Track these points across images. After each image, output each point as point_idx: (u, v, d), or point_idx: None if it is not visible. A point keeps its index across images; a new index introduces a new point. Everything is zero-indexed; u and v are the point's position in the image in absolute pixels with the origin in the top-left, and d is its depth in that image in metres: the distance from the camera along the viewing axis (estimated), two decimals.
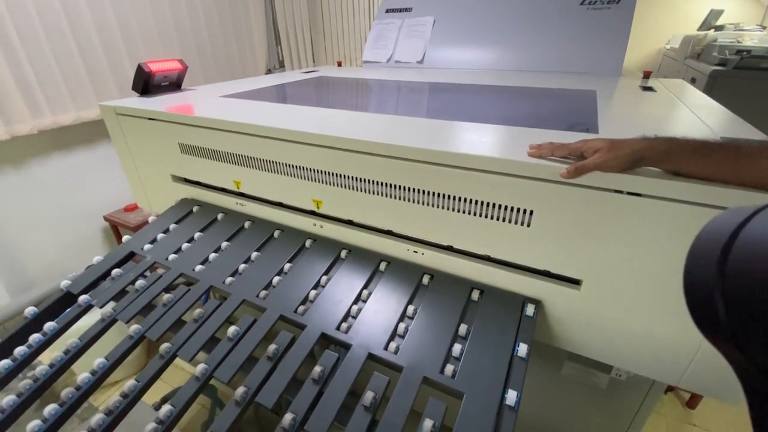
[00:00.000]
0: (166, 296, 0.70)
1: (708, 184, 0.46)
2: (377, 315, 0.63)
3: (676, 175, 0.48)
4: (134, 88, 1.06)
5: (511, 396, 0.50)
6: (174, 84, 1.14)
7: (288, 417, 0.50)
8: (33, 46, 1.44)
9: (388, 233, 0.73)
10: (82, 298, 0.72)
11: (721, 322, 0.26)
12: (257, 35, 2.39)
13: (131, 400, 0.57)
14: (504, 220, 0.59)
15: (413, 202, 0.65)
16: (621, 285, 0.55)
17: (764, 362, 0.26)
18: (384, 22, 1.74)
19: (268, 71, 2.55)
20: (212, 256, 0.78)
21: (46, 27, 1.46)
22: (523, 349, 0.55)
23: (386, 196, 0.67)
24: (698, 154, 0.46)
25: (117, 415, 0.55)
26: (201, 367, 0.58)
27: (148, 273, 0.78)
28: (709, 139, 0.47)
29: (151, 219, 0.92)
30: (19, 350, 0.65)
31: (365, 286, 0.68)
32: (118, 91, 1.72)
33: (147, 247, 0.83)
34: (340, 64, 1.88)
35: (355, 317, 0.63)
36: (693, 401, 1.41)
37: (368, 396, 0.51)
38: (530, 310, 0.61)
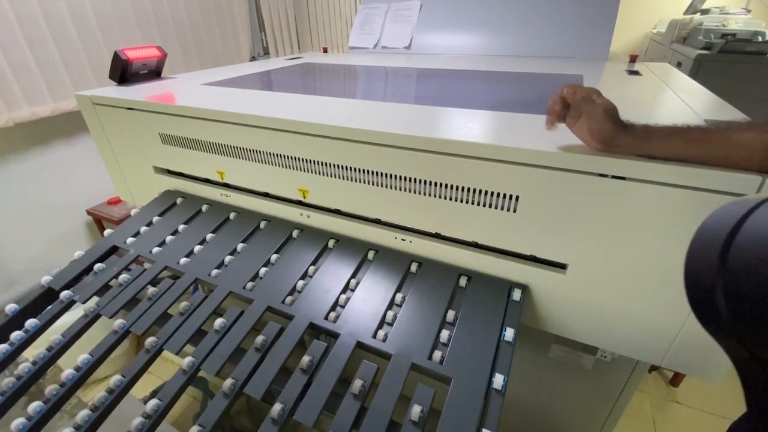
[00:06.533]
0: (150, 290, 0.69)
1: (688, 166, 0.46)
2: (365, 303, 0.63)
3: (651, 158, 0.48)
4: (111, 76, 1.02)
5: (498, 380, 0.50)
6: (153, 72, 1.10)
7: (277, 407, 0.50)
8: (5, 34, 1.38)
9: (376, 222, 0.73)
10: (64, 294, 0.71)
11: (721, 316, 0.26)
12: (240, 21, 2.32)
13: (117, 395, 0.56)
14: (490, 206, 0.59)
15: (401, 189, 0.65)
16: (606, 268, 0.56)
17: (763, 353, 0.26)
18: (370, 7, 1.70)
19: (252, 58, 2.49)
20: (197, 248, 0.77)
21: (17, 13, 1.40)
22: (509, 333, 0.56)
23: (374, 184, 0.67)
24: (674, 136, 0.46)
25: (103, 410, 0.54)
26: (188, 360, 0.57)
27: (131, 267, 0.76)
28: (678, 124, 0.47)
29: (133, 212, 0.90)
30: (1, 348, 0.63)
31: (353, 275, 0.68)
32: (96, 80, 1.66)
33: (130, 240, 0.81)
34: (325, 50, 1.84)
35: (343, 306, 0.63)
36: (676, 379, 1.46)
37: (357, 384, 0.51)
38: (517, 294, 0.61)
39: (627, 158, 0.48)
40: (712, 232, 0.28)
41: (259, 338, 0.58)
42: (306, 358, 0.54)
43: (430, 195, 0.63)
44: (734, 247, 0.26)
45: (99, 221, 1.78)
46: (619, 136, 0.48)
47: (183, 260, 0.74)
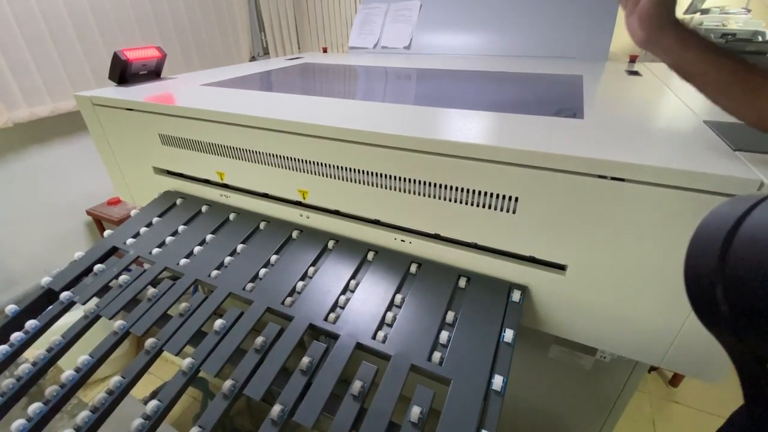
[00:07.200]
0: (150, 291, 0.69)
1: (686, 165, 0.46)
2: (365, 304, 0.63)
3: (672, 67, 0.48)
4: (111, 77, 1.02)
5: (498, 381, 0.50)
6: (153, 72, 1.10)
7: (276, 408, 0.50)
8: (4, 34, 1.38)
9: (376, 223, 0.73)
10: (64, 295, 0.71)
11: (721, 313, 0.26)
12: (240, 21, 2.32)
13: (117, 396, 0.56)
14: (490, 207, 0.59)
15: (400, 190, 0.65)
16: (605, 269, 0.56)
17: (763, 351, 0.26)
18: (370, 7, 1.70)
19: (252, 58, 2.49)
20: (197, 249, 0.77)
21: (16, 13, 1.40)
22: (509, 334, 0.56)
23: (373, 185, 0.67)
24: (711, 53, 0.45)
25: (103, 411, 0.54)
26: (188, 361, 0.57)
27: (131, 268, 0.77)
28: (721, 44, 0.46)
29: (133, 212, 0.90)
30: (1, 349, 0.63)
31: (353, 276, 0.68)
32: (95, 81, 1.66)
33: (130, 241, 0.81)
34: (325, 51, 1.84)
35: (343, 307, 0.63)
36: (676, 379, 1.46)
37: (357, 385, 0.51)
38: (516, 296, 0.61)
39: (629, 160, 0.48)
40: (711, 230, 0.28)
41: (259, 339, 0.58)
42: (306, 359, 0.55)
43: (429, 196, 0.63)
44: (734, 245, 0.26)
45: (99, 221, 1.78)
46: (667, 29, 0.45)
47: (183, 261, 0.74)
